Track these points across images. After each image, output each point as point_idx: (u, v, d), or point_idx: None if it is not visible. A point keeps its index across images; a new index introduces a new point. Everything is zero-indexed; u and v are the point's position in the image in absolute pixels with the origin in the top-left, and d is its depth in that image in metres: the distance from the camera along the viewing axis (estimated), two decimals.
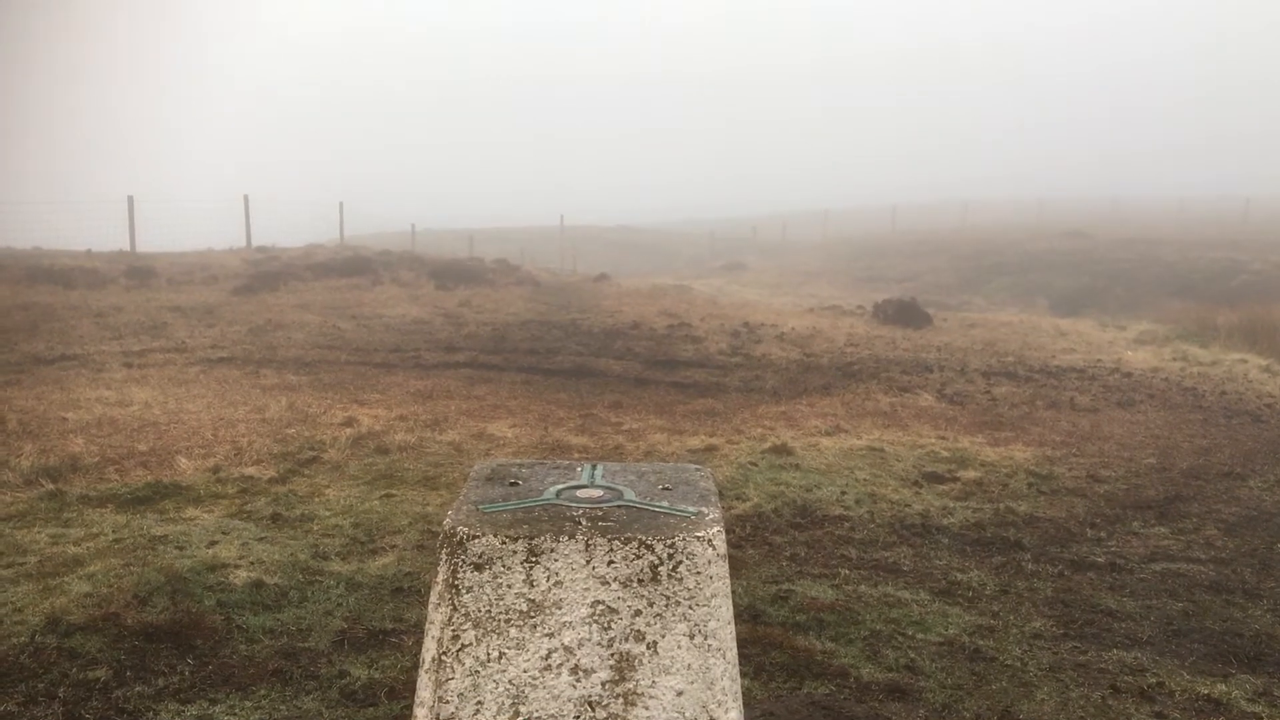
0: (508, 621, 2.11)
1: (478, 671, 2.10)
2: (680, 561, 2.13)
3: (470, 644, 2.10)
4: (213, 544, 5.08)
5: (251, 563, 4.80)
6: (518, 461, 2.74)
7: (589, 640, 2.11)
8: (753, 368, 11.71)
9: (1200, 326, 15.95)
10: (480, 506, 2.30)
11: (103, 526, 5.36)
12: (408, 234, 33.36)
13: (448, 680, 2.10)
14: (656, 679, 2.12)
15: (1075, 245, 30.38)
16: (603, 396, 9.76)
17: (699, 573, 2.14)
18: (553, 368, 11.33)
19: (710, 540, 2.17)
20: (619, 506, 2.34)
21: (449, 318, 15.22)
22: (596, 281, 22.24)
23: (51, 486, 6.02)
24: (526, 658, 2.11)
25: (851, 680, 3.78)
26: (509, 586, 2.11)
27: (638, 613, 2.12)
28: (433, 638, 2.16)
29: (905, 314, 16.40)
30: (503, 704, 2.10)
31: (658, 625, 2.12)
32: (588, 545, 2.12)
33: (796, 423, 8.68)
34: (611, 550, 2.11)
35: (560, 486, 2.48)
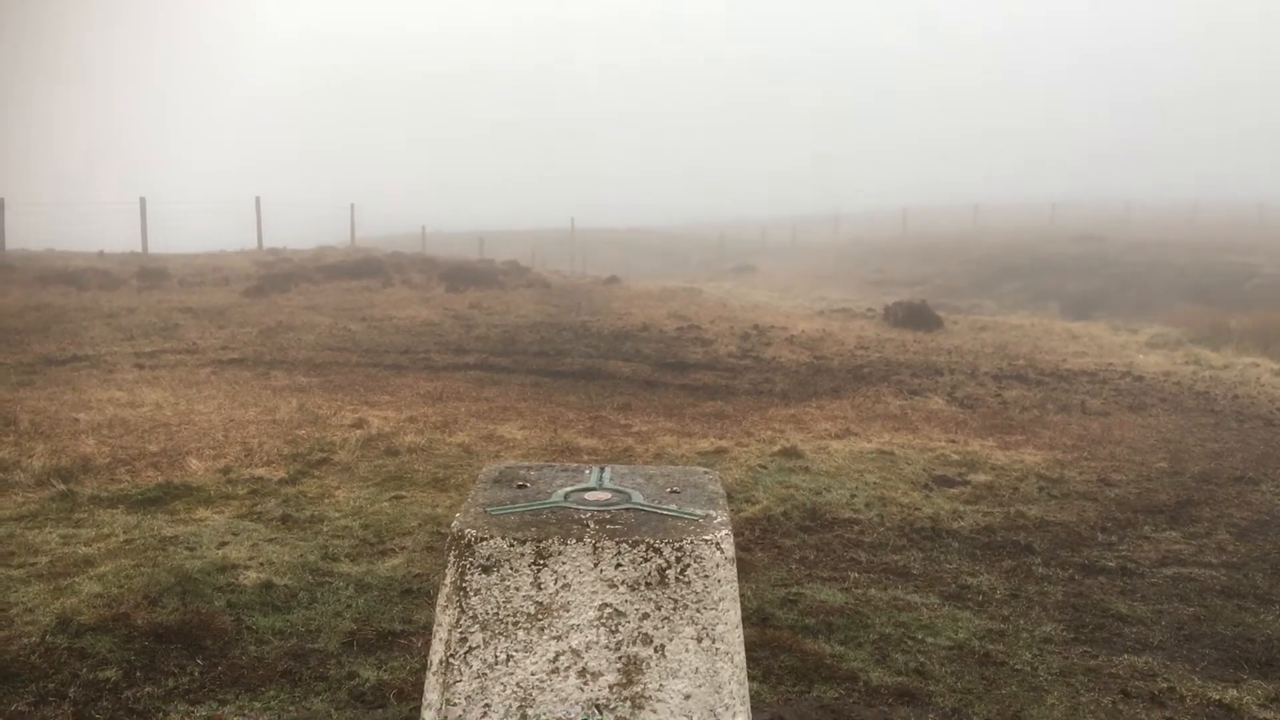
0: (515, 624, 2.11)
1: (485, 674, 2.10)
2: (688, 565, 2.13)
3: (478, 646, 2.10)
4: (223, 545, 5.09)
5: (261, 564, 4.81)
6: (526, 464, 2.74)
7: (596, 643, 2.11)
8: (762, 370, 11.69)
9: (1213, 330, 15.88)
10: (488, 509, 2.30)
11: (113, 527, 5.38)
12: (418, 236, 33.45)
13: (455, 682, 2.11)
14: (664, 682, 2.12)
15: (1087, 249, 30.27)
16: (612, 399, 9.76)
17: (707, 576, 2.14)
18: (562, 370, 11.33)
19: (718, 544, 2.17)
20: (627, 509, 2.34)
21: (459, 320, 15.24)
22: (606, 284, 22.25)
23: (63, 487, 6.05)
24: (534, 660, 2.11)
25: (861, 684, 3.77)
26: (516, 589, 2.11)
27: (645, 616, 2.11)
28: (440, 640, 2.16)
29: (915, 317, 16.36)
30: (510, 706, 2.10)
31: (665, 628, 2.12)
32: (595, 548, 2.12)
33: (806, 425, 8.66)
34: (619, 553, 2.11)
35: (568, 489, 2.48)
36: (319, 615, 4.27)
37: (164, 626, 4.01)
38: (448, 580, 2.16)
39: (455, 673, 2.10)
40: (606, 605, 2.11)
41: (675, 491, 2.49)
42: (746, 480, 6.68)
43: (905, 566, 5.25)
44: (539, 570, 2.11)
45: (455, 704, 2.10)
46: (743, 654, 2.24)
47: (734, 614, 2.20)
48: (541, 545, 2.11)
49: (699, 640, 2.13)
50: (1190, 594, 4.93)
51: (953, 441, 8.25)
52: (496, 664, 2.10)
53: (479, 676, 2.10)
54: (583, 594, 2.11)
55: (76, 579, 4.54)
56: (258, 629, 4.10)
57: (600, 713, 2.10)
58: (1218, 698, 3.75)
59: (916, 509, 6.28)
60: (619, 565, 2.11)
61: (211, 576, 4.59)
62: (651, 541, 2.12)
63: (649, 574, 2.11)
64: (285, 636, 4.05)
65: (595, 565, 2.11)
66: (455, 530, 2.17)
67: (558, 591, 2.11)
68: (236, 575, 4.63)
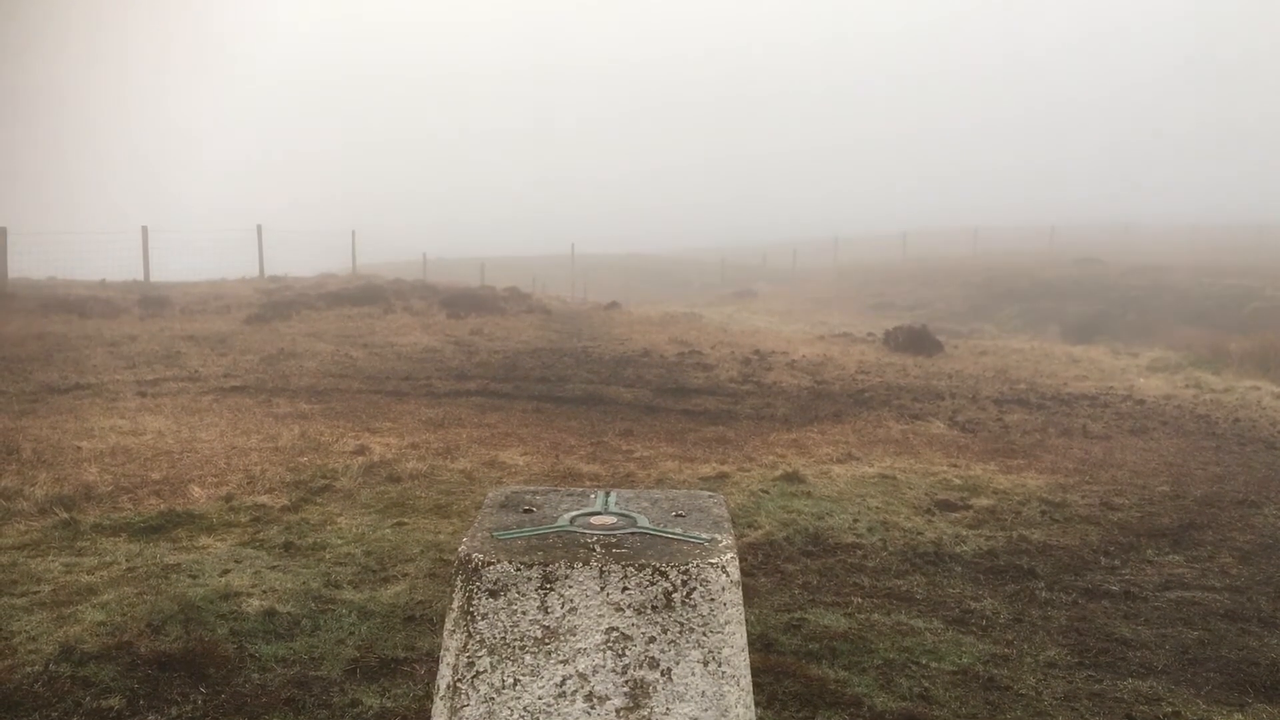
0: (522, 648, 2.11)
1: (493, 698, 2.11)
2: (694, 588, 2.14)
3: (485, 671, 2.11)
4: (225, 572, 5.09)
5: (264, 591, 4.80)
6: (532, 489, 2.76)
7: (603, 667, 2.12)
8: (764, 395, 11.70)
9: (1213, 353, 15.91)
10: (495, 533, 2.31)
11: (116, 555, 5.38)
12: (420, 262, 33.58)
13: (463, 707, 2.11)
14: (671, 706, 2.12)
15: (1087, 272, 30.37)
16: (613, 424, 9.76)
17: (713, 599, 2.14)
18: (564, 395, 11.34)
19: (724, 567, 2.17)
20: (633, 533, 2.35)
21: (460, 346, 15.27)
22: (607, 309, 22.30)
23: (65, 515, 6.05)
24: (541, 684, 2.11)
25: (865, 709, 3.76)
26: (524, 613, 2.12)
27: (652, 639, 2.12)
28: (448, 664, 2.16)
29: (916, 341, 16.39)
30: None
31: (672, 652, 2.12)
32: (602, 572, 2.12)
33: (808, 450, 8.67)
34: (625, 577, 2.12)
35: (574, 513, 2.49)
36: (322, 643, 4.27)
37: (167, 655, 4.01)
38: (455, 605, 2.17)
39: (463, 697, 2.11)
40: (613, 629, 2.12)
41: (681, 515, 2.50)
42: (748, 505, 6.68)
43: (908, 591, 5.24)
44: (546, 594, 2.12)
45: None
46: (749, 677, 2.24)
47: (740, 637, 2.20)
48: (548, 569, 2.12)
49: (705, 664, 2.13)
50: (1194, 617, 4.92)
51: (954, 466, 8.25)
52: (504, 688, 2.11)
53: (486, 701, 2.10)
54: (589, 618, 2.12)
55: (79, 607, 4.53)
56: (261, 657, 4.09)
57: None
58: None
59: (919, 533, 6.28)
60: (625, 589, 2.12)
61: (214, 604, 4.58)
62: (657, 565, 2.13)
63: (655, 597, 2.12)
64: (288, 664, 4.04)
65: (602, 589, 2.12)
66: (462, 554, 2.18)
67: (564, 615, 2.12)
68: (239, 603, 4.63)
